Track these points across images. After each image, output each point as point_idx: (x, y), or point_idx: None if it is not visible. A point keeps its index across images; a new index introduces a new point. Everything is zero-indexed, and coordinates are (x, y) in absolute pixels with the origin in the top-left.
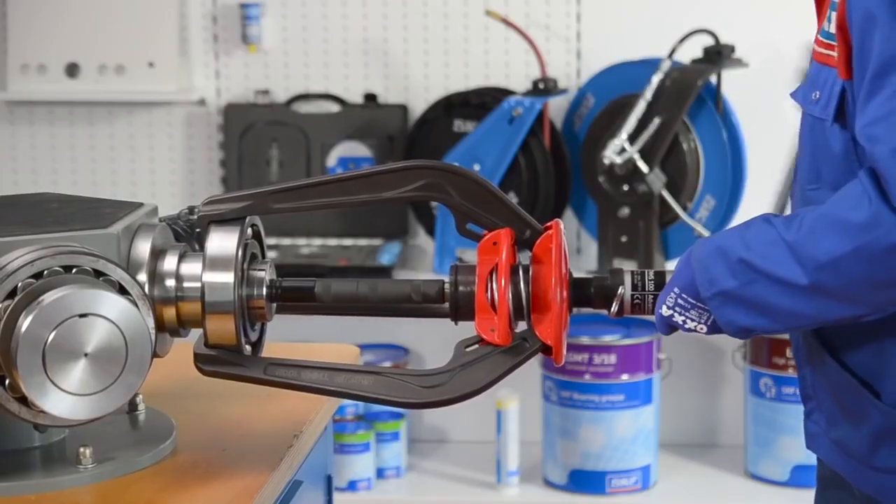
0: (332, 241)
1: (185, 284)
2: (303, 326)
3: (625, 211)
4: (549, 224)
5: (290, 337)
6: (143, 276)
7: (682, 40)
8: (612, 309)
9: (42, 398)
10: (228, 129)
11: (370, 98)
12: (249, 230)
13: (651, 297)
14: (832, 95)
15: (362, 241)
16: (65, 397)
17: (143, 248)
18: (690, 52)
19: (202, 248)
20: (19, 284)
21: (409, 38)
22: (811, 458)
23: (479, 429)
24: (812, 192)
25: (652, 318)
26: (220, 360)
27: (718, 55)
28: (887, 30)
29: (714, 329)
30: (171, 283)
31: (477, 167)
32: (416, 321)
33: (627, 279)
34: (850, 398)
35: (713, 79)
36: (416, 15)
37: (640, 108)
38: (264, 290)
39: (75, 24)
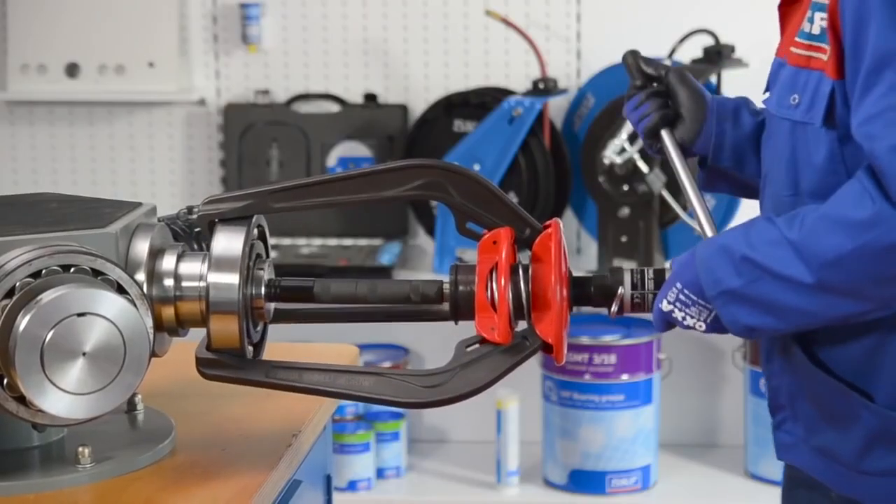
0: (332, 241)
1: (184, 284)
2: (303, 326)
3: (625, 211)
4: (548, 223)
5: (290, 337)
6: (141, 276)
7: (682, 40)
8: (612, 308)
9: (40, 397)
10: (228, 129)
11: (370, 98)
12: (255, 230)
13: (651, 295)
14: (818, 97)
15: (362, 241)
16: (63, 396)
17: (141, 247)
18: (690, 52)
19: (201, 247)
20: (17, 283)
21: (409, 38)
22: None
23: (479, 429)
24: (788, 198)
25: (650, 316)
26: (221, 364)
27: (718, 55)
28: (882, 26)
29: (712, 328)
30: (169, 282)
31: (477, 167)
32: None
33: (627, 278)
34: (836, 404)
35: (713, 79)
36: (416, 15)
37: None
38: (262, 290)
39: (75, 24)
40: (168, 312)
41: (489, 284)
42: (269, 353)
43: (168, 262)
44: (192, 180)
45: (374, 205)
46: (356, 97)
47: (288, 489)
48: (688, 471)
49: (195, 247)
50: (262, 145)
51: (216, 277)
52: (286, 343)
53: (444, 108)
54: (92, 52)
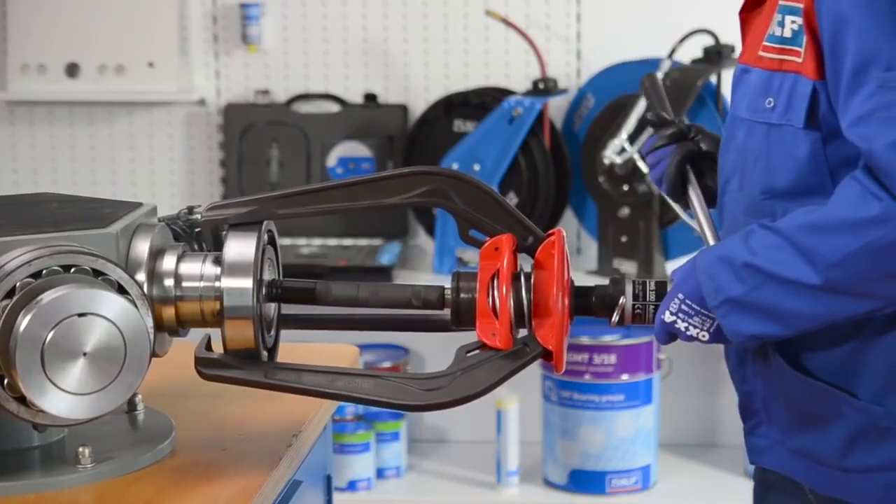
0: (332, 241)
1: (185, 284)
2: None
3: (625, 211)
4: (551, 231)
5: (289, 337)
6: (141, 276)
7: (682, 40)
8: (613, 319)
9: (41, 397)
10: (228, 129)
11: (370, 98)
12: (265, 235)
13: (652, 307)
14: (796, 99)
15: (362, 242)
16: (64, 397)
17: (141, 247)
18: (690, 52)
19: (202, 247)
20: (18, 284)
21: (409, 38)
22: None
23: (479, 429)
24: (764, 201)
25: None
26: (221, 364)
27: (718, 55)
28: (862, 28)
29: (716, 338)
30: (169, 282)
31: (477, 167)
32: None
33: (629, 289)
34: (816, 405)
35: (713, 79)
36: (416, 15)
37: (640, 108)
38: (264, 290)
39: (75, 24)
40: (168, 313)
41: (490, 291)
42: None
43: (168, 262)
44: (192, 180)
45: (378, 211)
46: (356, 97)
47: (288, 489)
48: (688, 471)
49: (196, 247)
50: (262, 145)
51: (230, 283)
52: (286, 343)
53: (444, 108)
54: (92, 52)
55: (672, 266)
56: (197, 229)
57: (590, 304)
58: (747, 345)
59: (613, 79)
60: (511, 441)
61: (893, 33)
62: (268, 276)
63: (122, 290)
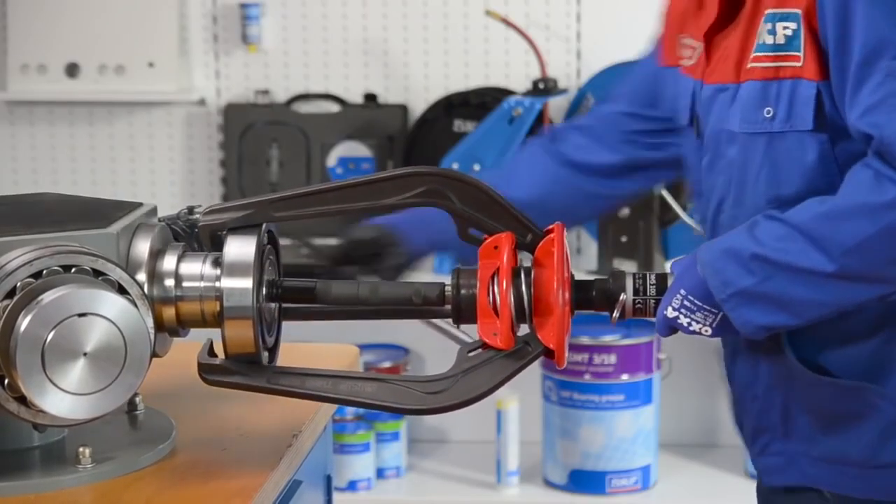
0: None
1: (185, 284)
2: (303, 326)
3: (625, 211)
4: (550, 227)
5: (290, 337)
6: (142, 276)
7: None
8: (615, 314)
9: (41, 398)
10: (228, 129)
11: (370, 98)
12: (265, 235)
13: (653, 301)
14: (798, 103)
15: None
16: (64, 397)
17: (142, 247)
18: None
19: (202, 247)
20: (18, 284)
21: (409, 38)
22: None
23: (479, 429)
24: (772, 210)
25: (652, 319)
26: (224, 370)
27: None
28: (867, 18)
29: (719, 331)
30: (170, 282)
31: (477, 167)
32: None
33: (629, 283)
34: (845, 403)
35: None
36: (416, 15)
37: None
38: (264, 290)
39: (75, 24)
40: (169, 313)
41: (491, 289)
42: None
43: (169, 262)
44: (192, 180)
45: (376, 212)
46: (356, 97)
47: (288, 489)
48: (688, 471)
49: (196, 247)
50: (262, 145)
51: (230, 283)
52: (286, 343)
53: (444, 108)
54: (92, 52)
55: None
56: (197, 229)
57: (590, 298)
58: (757, 336)
59: (613, 79)
60: (511, 441)
61: None
62: (268, 276)
63: (122, 291)
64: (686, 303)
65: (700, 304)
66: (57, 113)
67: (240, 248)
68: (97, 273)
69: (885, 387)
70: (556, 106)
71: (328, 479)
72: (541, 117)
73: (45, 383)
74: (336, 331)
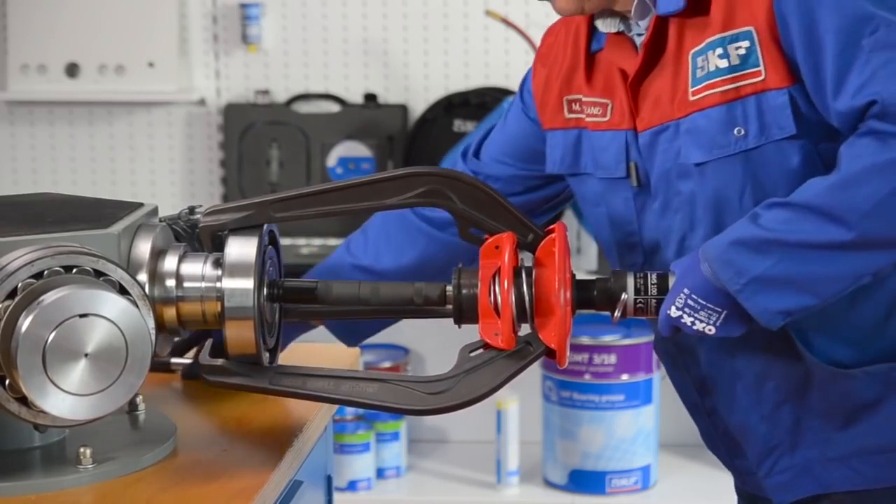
0: (333, 241)
1: (186, 284)
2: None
3: None
4: (551, 227)
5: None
6: (143, 277)
7: None
8: (616, 314)
9: (42, 398)
10: (228, 129)
11: (370, 98)
12: (266, 236)
13: (654, 300)
14: (772, 114)
15: None
16: (65, 397)
17: (143, 248)
18: None
19: (202, 248)
20: (19, 284)
21: (409, 38)
22: None
23: (479, 429)
24: None
25: (654, 318)
26: (226, 371)
27: None
28: (833, 8)
29: (724, 330)
30: (171, 283)
31: None
32: (417, 321)
33: (630, 283)
34: (868, 393)
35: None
36: (416, 15)
37: None
38: (265, 291)
39: (75, 24)
40: (170, 313)
41: (492, 289)
42: None
43: (170, 262)
44: (192, 180)
45: (376, 212)
46: (356, 97)
47: (289, 489)
48: (688, 471)
49: (197, 247)
50: (262, 145)
51: (231, 283)
52: None
53: (444, 108)
54: (92, 52)
55: None
56: (197, 230)
57: (591, 298)
58: (775, 324)
59: None
60: (511, 441)
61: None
62: (269, 276)
63: (123, 291)
64: (690, 302)
65: (704, 302)
66: (57, 113)
67: (241, 248)
68: (98, 273)
69: None
70: None
71: (329, 480)
72: None
73: (46, 384)
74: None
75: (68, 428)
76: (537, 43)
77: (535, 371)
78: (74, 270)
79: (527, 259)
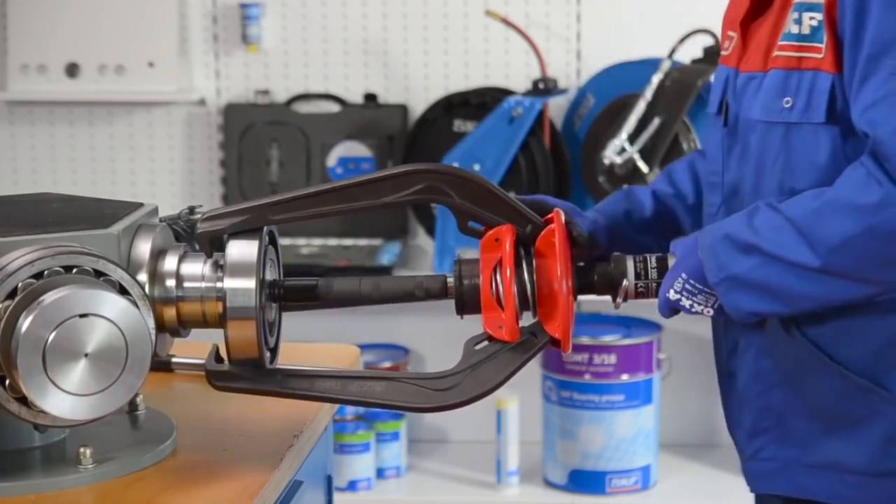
0: (332, 241)
1: (186, 284)
2: (303, 326)
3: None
4: (549, 217)
5: (290, 337)
6: (143, 277)
7: (682, 40)
8: (618, 299)
9: (42, 398)
10: (228, 129)
11: (370, 98)
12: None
13: (654, 284)
14: (815, 95)
15: (362, 242)
16: (65, 397)
17: (143, 248)
18: (690, 52)
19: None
20: (19, 285)
21: (409, 38)
22: None
23: (479, 429)
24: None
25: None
26: (232, 376)
27: (718, 55)
28: (880, 15)
29: (720, 313)
30: (171, 283)
31: (477, 167)
32: (417, 321)
33: (630, 267)
34: (849, 405)
35: (713, 79)
36: (416, 15)
37: (640, 108)
38: (266, 291)
39: (75, 24)
40: (170, 313)
41: (494, 281)
42: None
43: (170, 262)
44: (192, 180)
45: (374, 211)
46: (356, 97)
47: (289, 489)
48: (688, 471)
49: (197, 247)
50: (262, 145)
51: (233, 283)
52: (286, 343)
53: (444, 108)
54: (92, 52)
55: None
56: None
57: (592, 284)
58: (748, 320)
59: (613, 79)
60: (511, 441)
61: None
62: (269, 276)
63: (123, 291)
64: (687, 286)
65: (701, 287)
66: (57, 113)
67: (242, 248)
68: (98, 273)
69: (890, 390)
70: (556, 106)
71: (329, 480)
72: (541, 117)
73: (46, 384)
74: (336, 331)
75: (68, 428)
76: (537, 43)
77: (535, 371)
78: (74, 270)
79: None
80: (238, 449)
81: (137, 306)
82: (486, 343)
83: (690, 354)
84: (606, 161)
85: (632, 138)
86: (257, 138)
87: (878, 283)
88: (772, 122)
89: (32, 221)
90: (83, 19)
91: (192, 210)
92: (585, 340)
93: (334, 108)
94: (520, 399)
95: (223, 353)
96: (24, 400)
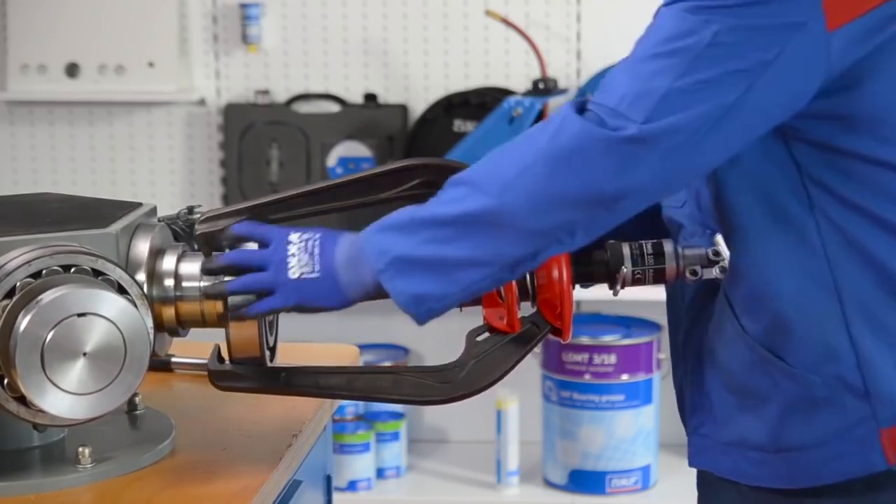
0: None
1: (184, 284)
2: (302, 326)
3: None
4: None
5: (290, 337)
6: (141, 276)
7: None
8: (617, 289)
9: (41, 398)
10: (228, 129)
11: (370, 98)
12: None
13: (651, 270)
14: None
15: None
16: (64, 397)
17: (141, 247)
18: None
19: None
20: (18, 284)
21: (409, 38)
22: None
23: (479, 429)
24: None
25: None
26: (235, 375)
27: None
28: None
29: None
30: (169, 282)
31: None
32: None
33: (627, 254)
34: (754, 378)
35: None
36: (416, 15)
37: None
38: None
39: (75, 24)
40: (168, 313)
41: None
42: None
43: (168, 262)
44: (192, 180)
45: (373, 208)
46: (356, 97)
47: (288, 489)
48: (688, 471)
49: (196, 247)
50: (262, 145)
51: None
52: (286, 343)
53: (444, 108)
54: (92, 52)
55: None
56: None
57: (590, 271)
58: (415, 310)
59: None
60: (511, 441)
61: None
62: None
63: (121, 290)
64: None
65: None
66: (57, 113)
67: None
68: (97, 273)
69: (789, 363)
70: (557, 106)
71: (328, 479)
72: (541, 117)
73: (45, 383)
74: (336, 330)
75: (67, 427)
76: (537, 43)
77: (535, 371)
78: (73, 270)
79: None
80: (237, 448)
81: (136, 305)
82: (487, 334)
83: None
84: None
85: None
86: (257, 138)
87: (543, 233)
88: None
89: (31, 221)
90: (83, 19)
91: (190, 210)
92: (585, 340)
93: (334, 108)
94: (520, 399)
95: (224, 354)
96: (22, 399)
